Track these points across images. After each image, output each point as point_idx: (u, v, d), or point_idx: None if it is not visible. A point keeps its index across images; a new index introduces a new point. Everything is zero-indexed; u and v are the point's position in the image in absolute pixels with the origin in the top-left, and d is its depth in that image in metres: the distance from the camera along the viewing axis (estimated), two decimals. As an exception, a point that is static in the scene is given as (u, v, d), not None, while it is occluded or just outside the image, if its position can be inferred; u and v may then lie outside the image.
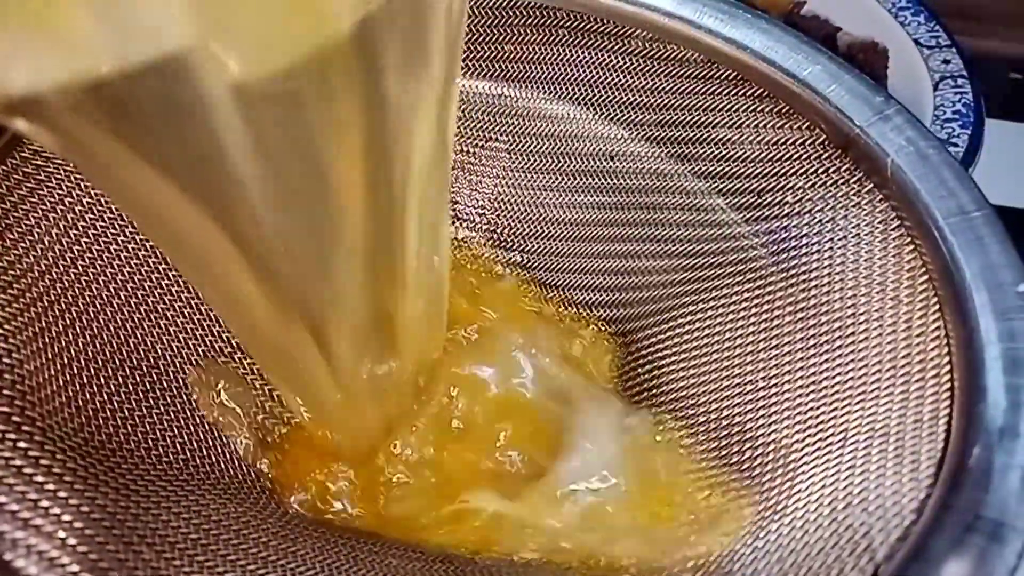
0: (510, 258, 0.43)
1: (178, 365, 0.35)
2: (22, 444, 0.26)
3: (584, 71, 0.39)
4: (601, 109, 0.39)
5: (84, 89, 0.18)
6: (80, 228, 0.33)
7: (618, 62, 0.38)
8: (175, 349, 0.35)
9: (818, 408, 0.30)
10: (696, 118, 0.37)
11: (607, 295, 0.41)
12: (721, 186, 0.36)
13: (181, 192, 0.22)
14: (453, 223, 0.43)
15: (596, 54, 0.38)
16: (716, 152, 0.36)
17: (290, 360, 0.30)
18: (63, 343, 0.31)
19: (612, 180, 0.40)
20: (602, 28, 0.37)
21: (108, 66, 0.18)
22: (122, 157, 0.20)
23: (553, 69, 0.39)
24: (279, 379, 0.33)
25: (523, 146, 0.41)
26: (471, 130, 0.42)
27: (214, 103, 0.19)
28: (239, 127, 0.20)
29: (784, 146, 0.34)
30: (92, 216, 0.33)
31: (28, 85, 0.18)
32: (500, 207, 0.43)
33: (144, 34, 0.18)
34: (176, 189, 0.22)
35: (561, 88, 0.40)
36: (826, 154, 0.33)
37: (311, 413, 0.33)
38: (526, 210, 0.42)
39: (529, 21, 0.38)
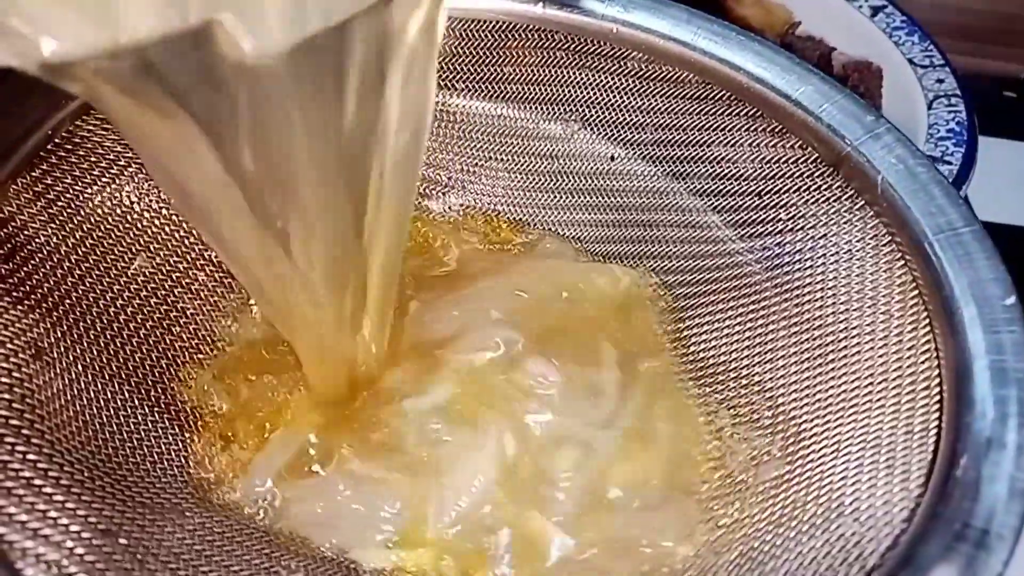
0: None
1: (183, 379, 0.35)
2: (31, 456, 0.27)
3: (582, 92, 0.40)
4: (599, 129, 0.40)
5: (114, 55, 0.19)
6: (88, 245, 0.34)
7: (616, 83, 0.39)
8: (180, 364, 0.35)
9: (811, 419, 0.31)
10: (692, 137, 0.38)
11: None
12: (716, 204, 0.37)
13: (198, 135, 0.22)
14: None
15: (594, 75, 0.39)
16: (711, 170, 0.37)
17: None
18: (71, 357, 0.31)
19: (609, 198, 0.41)
20: (600, 50, 0.38)
21: (139, 35, 0.19)
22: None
23: (552, 90, 0.40)
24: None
25: (522, 165, 0.42)
26: (471, 150, 0.42)
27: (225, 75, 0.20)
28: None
29: (778, 164, 0.35)
30: (100, 234, 0.34)
31: (61, 52, 0.18)
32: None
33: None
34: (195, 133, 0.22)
35: (560, 108, 0.41)
36: (818, 172, 0.34)
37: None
38: (525, 228, 0.43)
39: (528, 43, 0.39)
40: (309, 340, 0.32)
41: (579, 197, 0.42)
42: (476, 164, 0.43)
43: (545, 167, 0.42)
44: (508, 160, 0.42)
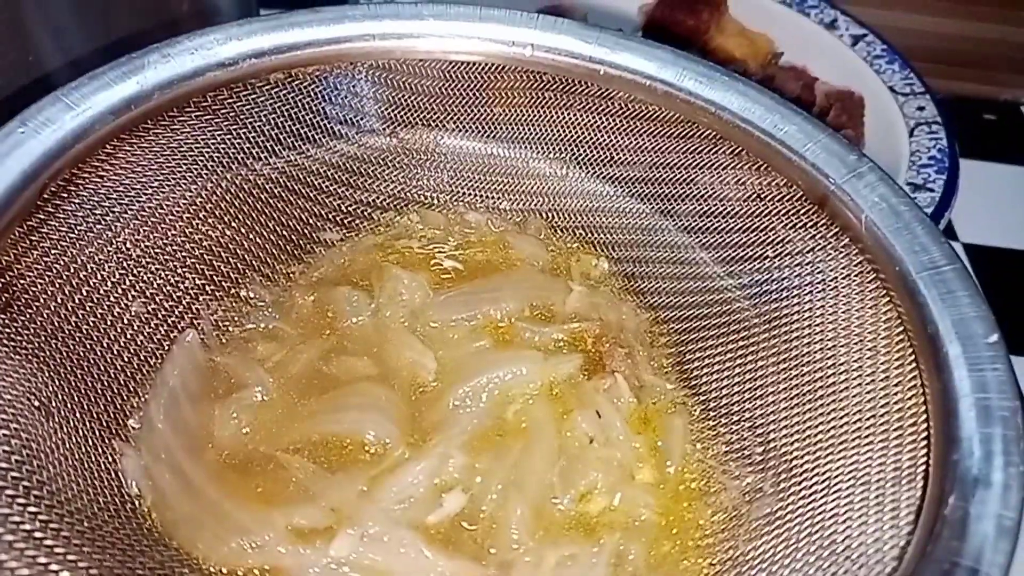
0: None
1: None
2: (32, 509, 0.27)
3: (571, 131, 0.40)
4: (589, 167, 0.41)
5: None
6: (84, 292, 0.34)
7: (604, 122, 0.39)
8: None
9: (802, 456, 0.31)
10: (680, 175, 0.38)
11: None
12: (705, 240, 0.38)
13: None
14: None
15: (582, 115, 0.40)
16: (700, 208, 0.38)
17: None
18: (70, 407, 0.31)
19: (601, 236, 0.41)
20: (587, 90, 0.39)
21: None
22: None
23: (541, 129, 0.41)
24: None
25: (513, 204, 0.43)
26: (463, 189, 0.43)
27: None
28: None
29: (763, 202, 0.36)
30: (96, 280, 0.34)
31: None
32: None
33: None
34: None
35: (550, 147, 0.41)
36: (803, 209, 0.34)
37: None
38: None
39: (518, 84, 0.40)
40: None
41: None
42: (467, 203, 0.43)
43: (535, 205, 0.42)
44: (499, 199, 0.43)
